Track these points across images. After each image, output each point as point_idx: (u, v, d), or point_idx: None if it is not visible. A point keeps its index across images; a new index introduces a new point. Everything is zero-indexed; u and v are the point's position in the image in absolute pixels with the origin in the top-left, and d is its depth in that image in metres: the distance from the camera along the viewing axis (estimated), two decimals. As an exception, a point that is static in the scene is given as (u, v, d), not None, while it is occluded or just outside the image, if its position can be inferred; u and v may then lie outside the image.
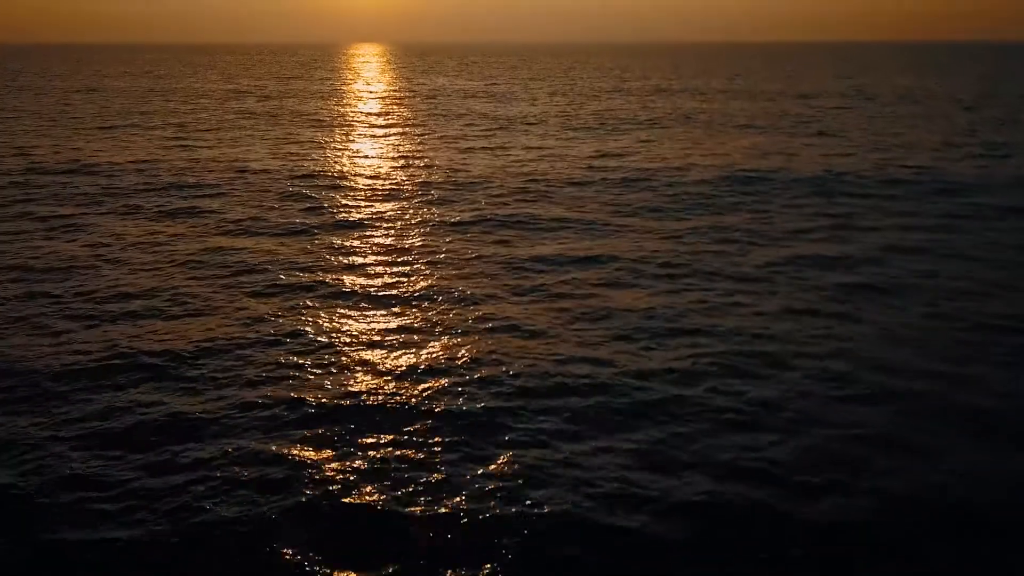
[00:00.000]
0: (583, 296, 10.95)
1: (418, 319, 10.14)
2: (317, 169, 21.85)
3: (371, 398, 8.10)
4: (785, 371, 8.59)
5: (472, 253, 13.08)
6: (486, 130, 30.80)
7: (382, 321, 10.10)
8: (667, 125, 32.42)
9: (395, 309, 10.45)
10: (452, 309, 10.45)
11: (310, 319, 10.14)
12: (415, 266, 12.37)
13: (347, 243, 13.82)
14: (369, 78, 77.90)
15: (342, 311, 10.39)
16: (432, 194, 17.99)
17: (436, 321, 10.04)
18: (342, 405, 7.91)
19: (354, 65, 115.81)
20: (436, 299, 10.82)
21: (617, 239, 14.11)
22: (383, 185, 19.28)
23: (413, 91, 56.61)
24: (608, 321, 10.07)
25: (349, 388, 8.31)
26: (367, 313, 10.34)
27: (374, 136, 29.67)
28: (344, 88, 60.73)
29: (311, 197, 17.77)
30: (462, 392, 8.19)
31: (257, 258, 12.82)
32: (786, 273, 12.06)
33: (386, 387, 8.37)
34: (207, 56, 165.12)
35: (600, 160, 23.03)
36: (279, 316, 10.16)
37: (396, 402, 8.06)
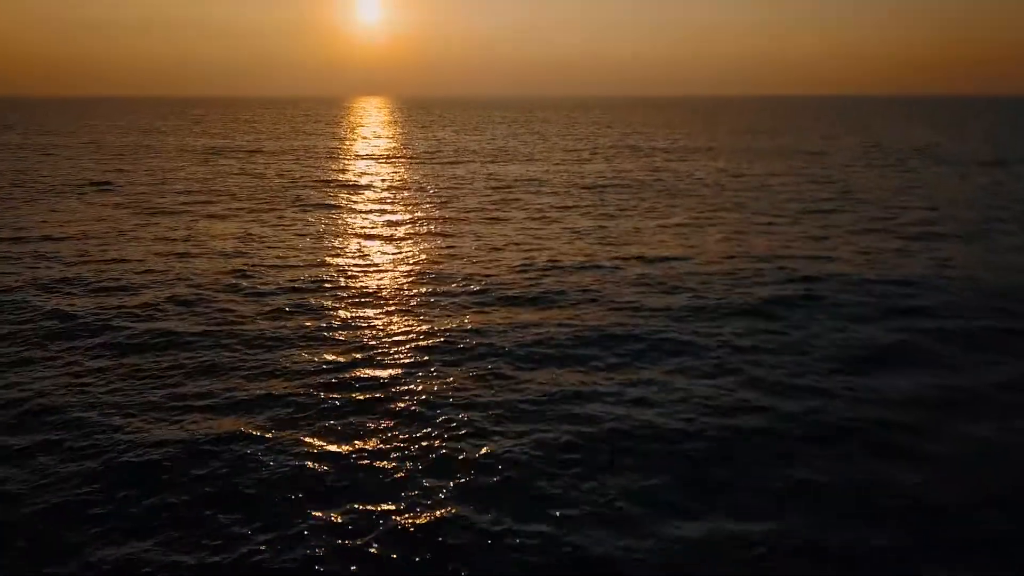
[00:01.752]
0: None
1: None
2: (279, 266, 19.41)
3: None
4: None
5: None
6: (478, 207, 28.48)
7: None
8: (683, 197, 30.11)
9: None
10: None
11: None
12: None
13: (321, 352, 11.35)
14: (368, 134, 76.47)
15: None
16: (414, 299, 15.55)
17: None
18: None
19: (354, 120, 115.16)
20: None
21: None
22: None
23: (409, 152, 54.79)
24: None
25: None
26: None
27: (366, 235, 27.34)
28: (333, 146, 58.91)
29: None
30: None
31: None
32: None
33: None
34: (203, 109, 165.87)
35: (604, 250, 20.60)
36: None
37: None
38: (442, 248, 18.08)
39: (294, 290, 14.05)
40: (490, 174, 35.01)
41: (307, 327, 11.90)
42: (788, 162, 40.99)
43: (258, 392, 9.40)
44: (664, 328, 11.81)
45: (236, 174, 34.65)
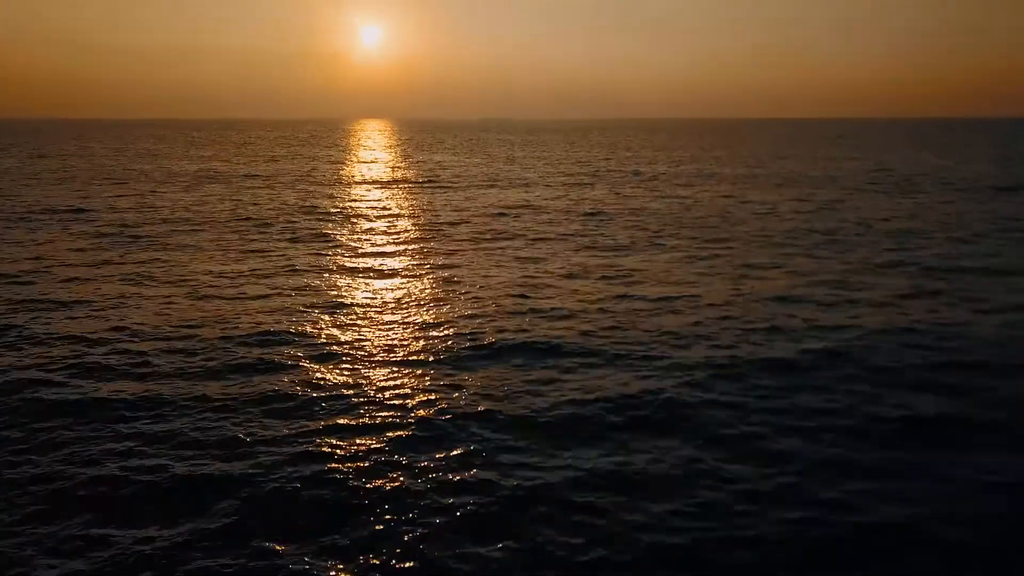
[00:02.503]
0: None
1: None
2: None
3: None
4: None
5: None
6: (473, 238, 27.14)
7: None
8: (690, 232, 28.76)
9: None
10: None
11: None
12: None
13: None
14: (366, 158, 75.42)
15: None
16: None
17: None
18: None
19: (353, 143, 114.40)
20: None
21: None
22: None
23: (410, 177, 53.60)
24: None
25: None
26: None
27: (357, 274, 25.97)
28: (326, 174, 57.74)
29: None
30: None
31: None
32: None
33: None
34: (204, 132, 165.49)
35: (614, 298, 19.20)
36: None
37: None
38: (435, 289, 16.66)
39: (265, 340, 12.63)
40: (488, 202, 33.71)
41: (274, 389, 10.48)
42: (795, 188, 39.73)
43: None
44: (674, 389, 10.37)
45: (224, 200, 33.38)
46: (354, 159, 68.77)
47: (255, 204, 32.35)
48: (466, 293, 16.03)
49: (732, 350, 12.04)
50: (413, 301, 15.39)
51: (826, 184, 42.20)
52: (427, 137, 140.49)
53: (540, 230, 25.14)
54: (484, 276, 17.83)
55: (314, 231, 24.94)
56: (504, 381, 10.64)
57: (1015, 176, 46.44)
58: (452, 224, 26.61)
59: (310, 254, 20.81)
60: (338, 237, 23.73)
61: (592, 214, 29.16)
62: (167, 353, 11.91)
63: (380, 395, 10.19)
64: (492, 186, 41.27)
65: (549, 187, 40.61)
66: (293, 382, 10.67)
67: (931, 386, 10.56)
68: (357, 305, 15.05)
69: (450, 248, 21.80)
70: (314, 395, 10.18)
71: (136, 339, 12.66)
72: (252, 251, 21.30)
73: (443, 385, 10.54)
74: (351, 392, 10.28)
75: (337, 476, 7.97)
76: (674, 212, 29.78)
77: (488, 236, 24.00)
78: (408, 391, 10.34)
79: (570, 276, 17.87)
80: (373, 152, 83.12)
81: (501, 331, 13.00)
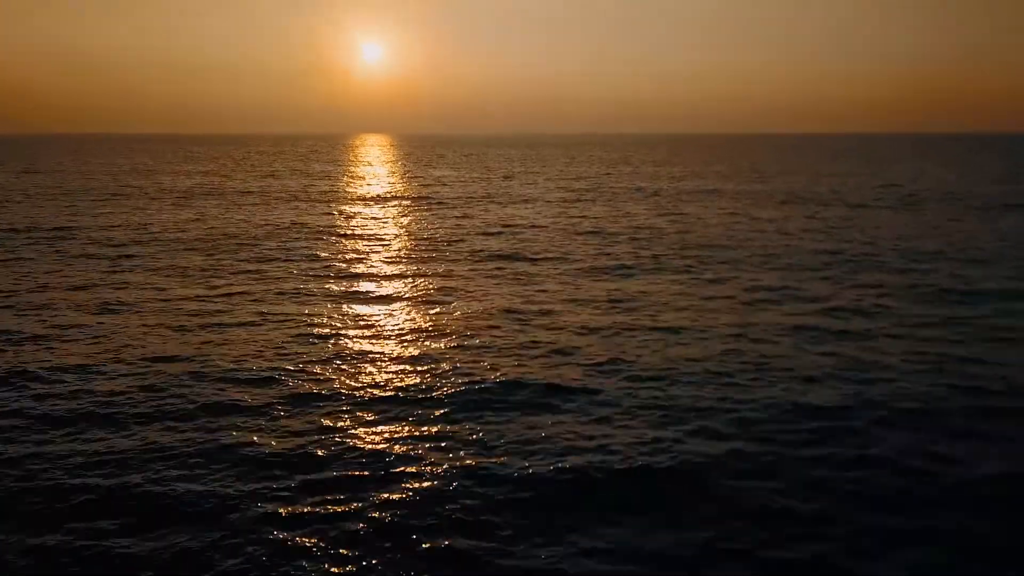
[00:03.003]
0: None
1: None
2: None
3: None
4: None
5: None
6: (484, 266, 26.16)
7: None
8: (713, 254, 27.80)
9: None
10: None
11: None
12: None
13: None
14: (364, 174, 74.64)
15: None
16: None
17: None
18: None
19: (353, 158, 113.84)
20: None
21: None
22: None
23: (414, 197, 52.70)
24: None
25: None
26: None
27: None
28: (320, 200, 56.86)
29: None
30: None
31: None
32: None
33: None
34: (205, 147, 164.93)
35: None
36: None
37: None
38: (427, 318, 15.66)
39: (244, 377, 11.63)
40: (486, 220, 32.79)
41: (249, 439, 9.47)
42: (800, 205, 38.83)
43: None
44: (689, 442, 9.34)
45: (215, 219, 32.46)
46: (352, 175, 67.98)
47: (247, 222, 31.43)
48: (459, 323, 15.03)
49: (749, 391, 11.00)
50: (403, 332, 14.39)
51: (832, 201, 41.31)
52: (427, 152, 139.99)
53: (539, 250, 24.18)
54: (480, 302, 16.82)
55: (305, 252, 23.97)
56: (496, 432, 9.58)
57: (1023, 193, 45.59)
58: (448, 243, 25.68)
59: (299, 277, 19.84)
60: (328, 259, 22.76)
61: (593, 232, 28.23)
62: (140, 391, 10.92)
63: (356, 445, 9.18)
64: (491, 202, 40.37)
65: (549, 203, 39.70)
66: (271, 428, 9.66)
67: (978, 435, 9.51)
68: (343, 336, 14.05)
69: (445, 270, 20.83)
70: (293, 440, 9.18)
71: (104, 375, 11.67)
72: (240, 272, 20.35)
73: (423, 436, 9.50)
74: (325, 438, 9.28)
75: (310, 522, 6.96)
76: (678, 231, 28.83)
77: (485, 257, 23.04)
78: (385, 443, 9.33)
79: (571, 302, 16.87)
80: (371, 168, 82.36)
81: (494, 369, 11.94)
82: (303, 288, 18.40)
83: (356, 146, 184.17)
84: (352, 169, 78.27)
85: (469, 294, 17.73)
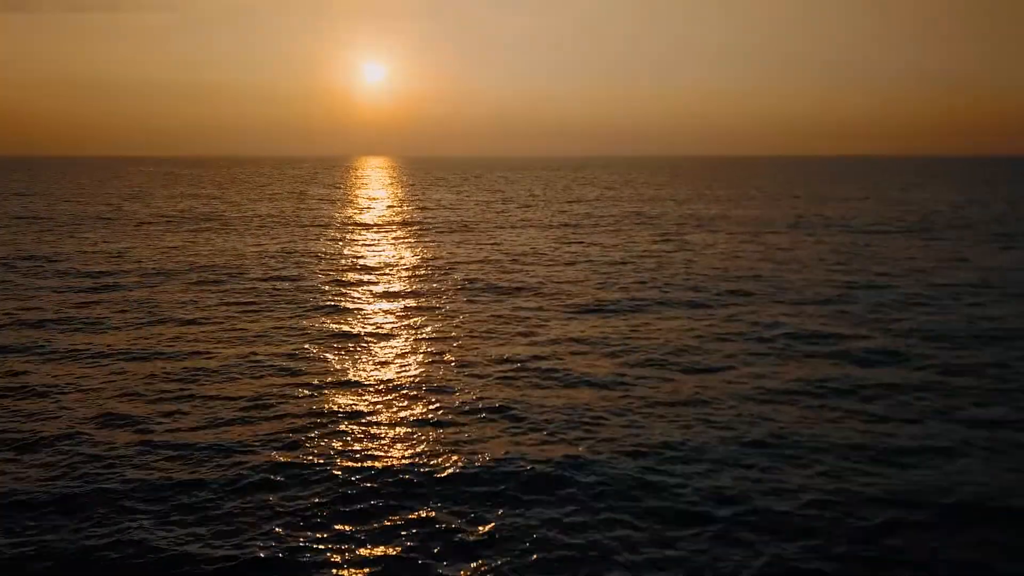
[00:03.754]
0: None
1: None
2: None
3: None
4: None
5: None
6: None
7: None
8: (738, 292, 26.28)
9: None
10: None
11: None
12: None
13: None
14: (363, 196, 73.41)
15: None
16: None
17: None
18: None
19: (353, 182, 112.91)
20: None
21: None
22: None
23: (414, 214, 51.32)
24: None
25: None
26: None
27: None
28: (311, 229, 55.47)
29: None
30: None
31: None
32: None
33: None
34: (203, 169, 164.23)
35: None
36: None
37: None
38: (416, 367, 14.11)
39: (227, 427, 10.08)
40: (484, 246, 31.36)
41: (221, 499, 7.92)
42: (810, 230, 37.40)
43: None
44: (716, 550, 7.80)
45: (205, 245, 31.03)
46: (348, 199, 66.76)
47: (235, 250, 30.01)
48: (450, 374, 13.48)
49: (781, 474, 9.35)
50: (389, 383, 12.85)
51: (842, 225, 39.89)
52: (426, 175, 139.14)
53: (538, 283, 22.67)
54: (474, 348, 15.24)
55: (294, 282, 22.48)
56: (484, 525, 8.04)
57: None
58: (443, 274, 24.18)
59: (287, 309, 18.33)
60: (319, 292, 21.25)
61: (594, 261, 26.76)
62: (106, 446, 9.38)
63: (333, 515, 7.64)
64: (491, 228, 38.98)
65: (551, 228, 38.30)
66: (252, 489, 8.13)
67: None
68: (327, 382, 12.52)
69: (438, 304, 19.32)
70: (269, 498, 7.64)
71: (72, 429, 10.13)
72: (225, 304, 18.86)
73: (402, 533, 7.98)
74: (298, 503, 7.73)
75: None
76: (684, 260, 27.37)
77: (481, 289, 21.54)
78: (363, 527, 7.79)
79: (573, 346, 15.30)
80: (370, 191, 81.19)
81: (481, 444, 10.28)
82: (284, 325, 16.89)
83: (356, 168, 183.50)
84: (350, 192, 77.07)
85: (462, 336, 16.18)
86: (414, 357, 14.36)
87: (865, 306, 19.16)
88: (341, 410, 11.30)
